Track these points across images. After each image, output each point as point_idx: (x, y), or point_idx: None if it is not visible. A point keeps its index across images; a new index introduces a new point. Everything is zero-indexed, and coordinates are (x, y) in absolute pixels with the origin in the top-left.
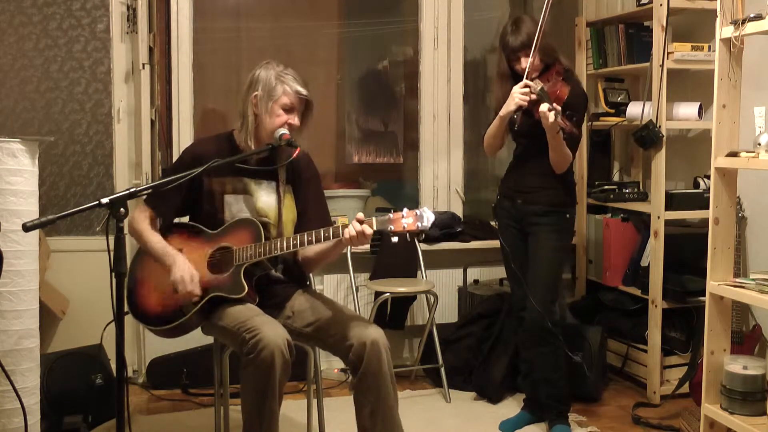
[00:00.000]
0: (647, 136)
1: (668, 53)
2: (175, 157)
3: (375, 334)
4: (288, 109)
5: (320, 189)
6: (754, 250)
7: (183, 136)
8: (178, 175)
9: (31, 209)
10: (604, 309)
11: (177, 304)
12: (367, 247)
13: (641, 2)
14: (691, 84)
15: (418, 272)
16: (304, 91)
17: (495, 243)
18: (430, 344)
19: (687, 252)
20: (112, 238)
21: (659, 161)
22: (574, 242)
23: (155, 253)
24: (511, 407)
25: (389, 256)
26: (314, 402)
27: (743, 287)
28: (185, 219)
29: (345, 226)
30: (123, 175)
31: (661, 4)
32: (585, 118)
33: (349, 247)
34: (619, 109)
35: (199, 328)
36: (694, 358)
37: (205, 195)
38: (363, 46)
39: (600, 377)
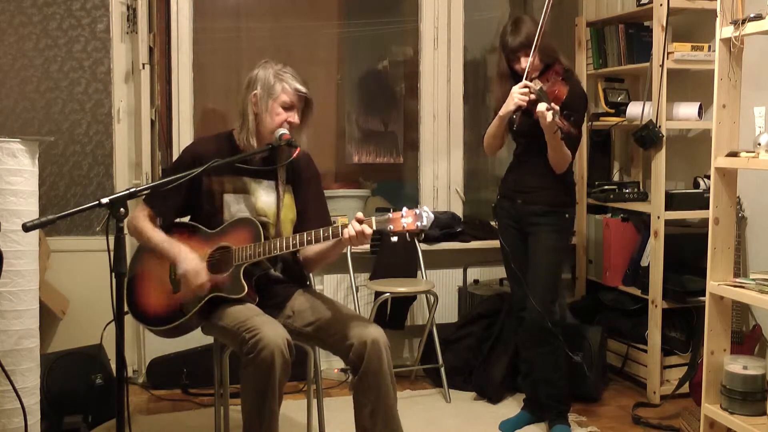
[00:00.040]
0: (647, 136)
1: (668, 53)
2: (175, 157)
3: (375, 333)
4: (288, 107)
5: (320, 189)
6: (754, 250)
7: (183, 136)
8: (177, 175)
9: (31, 209)
10: (604, 309)
11: (177, 303)
12: (367, 246)
13: (641, 2)
14: (691, 84)
15: (418, 272)
16: (303, 89)
17: (495, 243)
18: (430, 344)
19: (687, 252)
20: (112, 238)
21: (659, 161)
22: (574, 242)
23: (158, 247)
24: (511, 407)
25: (389, 256)
26: (314, 402)
27: (743, 287)
28: (186, 219)
29: (345, 226)
30: (123, 175)
31: (661, 4)
32: (585, 118)
33: (349, 247)
34: (619, 109)
35: (199, 328)
36: (694, 358)
37: (205, 194)
38: (363, 46)
39: (600, 377)
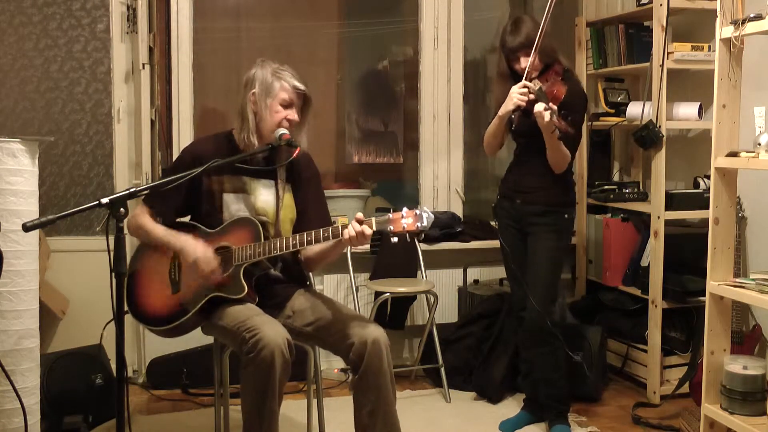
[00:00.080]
0: (647, 136)
1: (668, 53)
2: (175, 157)
3: (376, 332)
4: (286, 105)
5: (320, 189)
6: (754, 250)
7: (183, 136)
8: (177, 175)
9: (31, 209)
10: (604, 309)
11: (177, 303)
12: (367, 247)
13: (641, 2)
14: (691, 84)
15: (418, 272)
16: (301, 86)
17: (495, 243)
18: (430, 344)
19: (687, 252)
20: (112, 238)
21: (659, 161)
22: (574, 242)
23: (162, 240)
24: (511, 407)
25: (389, 256)
26: (314, 402)
27: (743, 287)
28: (186, 219)
29: (345, 226)
30: (123, 175)
31: (661, 4)
32: (585, 117)
33: (349, 247)
34: (619, 109)
35: (199, 328)
36: (694, 358)
37: (205, 194)
38: (363, 46)
39: (600, 377)
